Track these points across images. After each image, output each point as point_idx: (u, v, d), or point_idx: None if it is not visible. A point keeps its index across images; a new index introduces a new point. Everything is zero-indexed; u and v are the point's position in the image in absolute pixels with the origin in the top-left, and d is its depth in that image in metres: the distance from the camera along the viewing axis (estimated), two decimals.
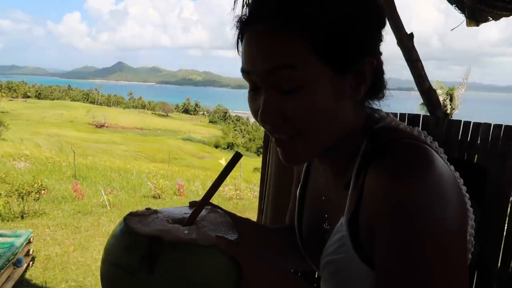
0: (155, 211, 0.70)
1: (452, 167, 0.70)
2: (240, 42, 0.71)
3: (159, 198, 10.82)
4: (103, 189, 10.16)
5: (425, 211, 0.59)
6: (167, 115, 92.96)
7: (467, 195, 0.70)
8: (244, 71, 0.69)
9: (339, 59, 0.65)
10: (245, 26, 0.69)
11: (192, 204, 0.75)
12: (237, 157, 0.71)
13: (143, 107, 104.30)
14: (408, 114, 1.98)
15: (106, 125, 61.72)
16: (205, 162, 35.41)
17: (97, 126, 60.29)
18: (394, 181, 0.62)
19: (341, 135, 0.72)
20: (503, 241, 1.38)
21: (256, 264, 0.63)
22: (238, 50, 0.72)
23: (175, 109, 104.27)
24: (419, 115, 2.01)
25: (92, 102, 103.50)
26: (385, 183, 0.63)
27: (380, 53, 0.71)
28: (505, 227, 1.37)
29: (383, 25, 0.70)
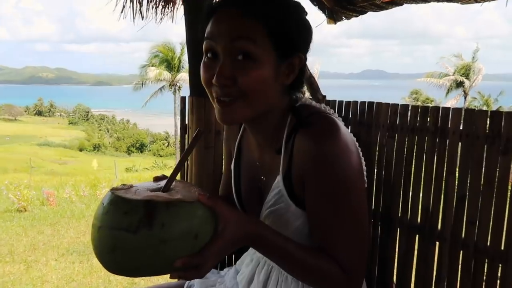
0: (131, 186, 0.82)
1: (349, 130, 1.02)
2: (206, 20, 0.90)
3: (25, 210, 9.58)
4: None
5: (338, 161, 0.88)
6: (15, 119, 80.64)
7: (360, 148, 1.02)
8: (210, 38, 0.87)
9: (282, 47, 0.89)
10: (216, 9, 0.88)
11: (156, 179, 0.89)
12: (199, 134, 0.86)
13: None
14: None
15: None
16: (69, 168, 32.17)
17: None
18: (316, 143, 0.89)
19: (268, 109, 0.94)
20: (374, 190, 1.84)
21: (230, 211, 0.81)
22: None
23: (25, 111, 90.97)
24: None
25: None
26: (310, 145, 0.90)
27: (306, 57, 0.97)
28: (374, 179, 1.83)
29: (311, 35, 0.97)
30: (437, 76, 29.43)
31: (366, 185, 1.03)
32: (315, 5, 2.97)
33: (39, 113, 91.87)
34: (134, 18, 3.12)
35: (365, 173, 1.02)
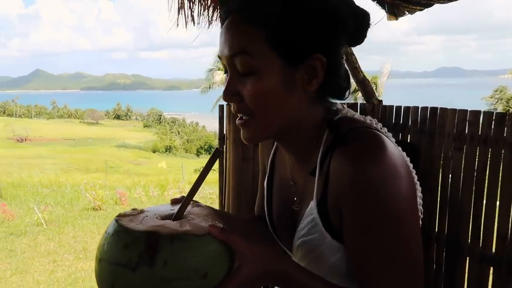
0: (142, 211, 0.74)
1: (399, 148, 0.83)
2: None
3: (100, 209, 10.32)
4: (36, 206, 9.47)
5: (382, 187, 0.70)
6: (97, 123, 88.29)
7: (414, 170, 0.82)
8: (218, 55, 0.81)
9: (288, 51, 0.74)
10: (224, 17, 0.81)
11: (174, 201, 0.80)
12: (217, 154, 0.77)
13: (70, 116, 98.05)
14: (347, 103, 2.16)
15: (29, 138, 57.12)
16: (143, 168, 34.29)
17: (18, 140, 55.58)
18: (356, 165, 0.72)
19: (295, 123, 0.80)
20: (437, 208, 1.59)
21: (247, 245, 0.69)
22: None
23: (105, 115, 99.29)
24: (357, 103, 2.21)
25: (10, 115, 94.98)
26: (347, 167, 0.73)
27: (335, 53, 0.81)
28: (439, 196, 1.57)
29: (339, 28, 0.80)
30: None
31: (421, 216, 0.85)
32: (373, 0, 2.72)
33: (118, 117, 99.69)
34: (186, 24, 3.16)
35: (420, 200, 0.84)
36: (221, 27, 0.81)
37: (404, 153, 0.82)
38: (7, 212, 8.97)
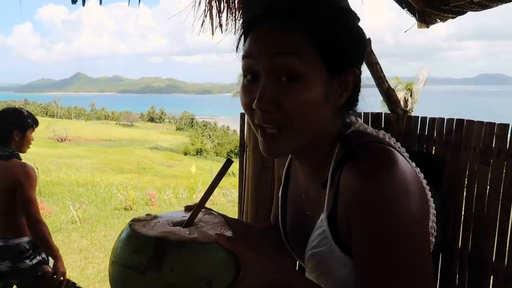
0: (155, 216, 0.77)
1: (413, 164, 0.81)
2: (242, 37, 0.80)
3: (131, 209, 10.61)
4: (72, 204, 9.86)
5: (391, 204, 0.69)
6: (132, 125, 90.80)
7: (427, 187, 0.80)
8: (249, 56, 0.77)
9: (333, 60, 0.75)
10: (256, 23, 0.78)
11: (187, 208, 0.82)
12: (228, 163, 0.78)
13: (106, 117, 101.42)
14: (371, 112, 2.13)
15: (68, 138, 59.55)
16: (174, 170, 34.91)
17: (58, 140, 58.04)
18: (365, 180, 0.72)
19: (319, 136, 0.80)
20: (461, 224, 1.53)
21: (252, 255, 0.70)
22: (237, 48, 0.81)
23: (140, 118, 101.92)
24: (381, 113, 2.17)
25: (52, 116, 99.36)
26: (357, 182, 0.73)
27: (360, 69, 0.81)
28: (463, 211, 1.52)
29: (365, 48, 0.82)
30: None
31: (434, 233, 0.83)
32: (403, 8, 2.67)
33: (151, 120, 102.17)
34: (213, 31, 3.21)
35: (433, 217, 0.82)
36: (248, 30, 0.79)
37: (418, 169, 0.80)
38: (45, 209, 9.40)
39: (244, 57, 0.78)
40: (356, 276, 0.79)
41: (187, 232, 0.71)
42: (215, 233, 0.70)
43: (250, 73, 0.77)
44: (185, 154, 55.84)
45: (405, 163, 0.74)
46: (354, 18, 0.80)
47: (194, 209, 0.77)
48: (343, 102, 0.79)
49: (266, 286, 0.71)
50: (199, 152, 57.50)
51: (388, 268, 0.70)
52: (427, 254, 0.73)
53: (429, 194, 0.80)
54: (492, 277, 1.42)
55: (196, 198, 11.81)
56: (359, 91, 0.82)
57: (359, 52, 0.80)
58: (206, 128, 74.83)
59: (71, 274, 5.64)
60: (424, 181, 0.79)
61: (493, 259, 1.39)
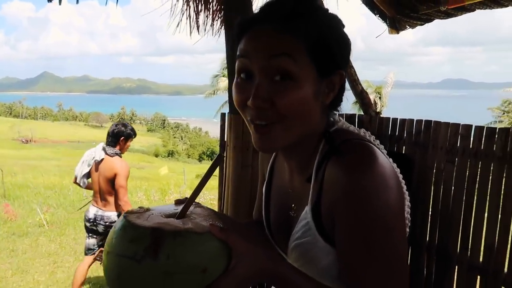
0: (148, 209, 0.79)
1: (391, 160, 0.88)
2: (237, 38, 0.84)
3: None
4: (39, 207, 9.53)
5: (372, 196, 0.75)
6: (101, 126, 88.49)
7: (403, 181, 0.87)
8: (244, 56, 0.81)
9: (323, 62, 0.81)
10: (252, 25, 0.83)
11: (177, 202, 0.85)
12: (219, 158, 0.83)
13: (75, 118, 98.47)
14: (346, 114, 2.21)
15: (33, 140, 57.35)
16: (145, 172, 34.25)
17: (23, 141, 55.77)
18: (348, 174, 0.77)
19: (307, 133, 0.84)
20: (429, 219, 1.63)
21: (244, 245, 0.74)
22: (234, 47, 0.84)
23: (110, 119, 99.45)
24: (355, 114, 2.26)
25: (16, 116, 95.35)
26: (340, 176, 0.78)
27: (345, 73, 0.87)
28: (430, 206, 1.62)
29: (350, 52, 0.88)
30: None
31: (408, 224, 0.89)
32: (375, 14, 2.79)
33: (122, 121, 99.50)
34: (191, 32, 3.22)
35: (408, 209, 0.89)
36: (243, 31, 0.83)
37: (395, 164, 0.86)
38: (10, 212, 9.02)
39: (239, 56, 0.82)
40: (338, 263, 0.85)
41: (181, 223, 0.74)
42: (209, 224, 0.73)
43: (245, 72, 0.82)
44: (156, 155, 54.98)
45: (384, 159, 0.80)
46: (341, 25, 0.86)
47: (186, 202, 0.80)
48: (329, 101, 0.85)
49: (257, 274, 0.74)
50: (170, 154, 56.74)
51: (368, 254, 0.76)
52: (403, 244, 0.80)
53: (404, 188, 0.86)
54: (457, 267, 1.52)
55: (169, 200, 11.68)
56: (344, 91, 0.88)
57: (345, 56, 0.86)
58: (178, 129, 73.88)
59: (40, 279, 5.46)
60: (401, 176, 0.85)
61: (458, 250, 1.49)
